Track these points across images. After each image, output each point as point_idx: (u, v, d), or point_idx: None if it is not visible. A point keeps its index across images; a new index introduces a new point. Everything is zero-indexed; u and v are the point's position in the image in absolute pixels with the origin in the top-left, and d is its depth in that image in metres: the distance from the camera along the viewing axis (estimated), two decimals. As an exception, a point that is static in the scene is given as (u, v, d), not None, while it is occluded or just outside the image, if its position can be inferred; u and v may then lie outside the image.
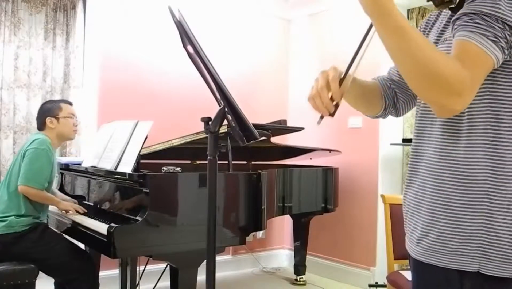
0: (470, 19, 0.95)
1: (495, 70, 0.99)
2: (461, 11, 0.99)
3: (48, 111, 2.76)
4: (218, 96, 1.42)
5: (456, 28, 0.99)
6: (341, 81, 1.07)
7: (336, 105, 1.07)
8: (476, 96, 0.99)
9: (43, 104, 2.85)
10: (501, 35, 0.93)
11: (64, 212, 2.66)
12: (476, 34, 0.94)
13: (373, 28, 1.04)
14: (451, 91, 0.93)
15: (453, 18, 1.01)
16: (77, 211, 2.64)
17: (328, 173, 3.67)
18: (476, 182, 1.01)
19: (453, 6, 1.08)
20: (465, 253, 1.03)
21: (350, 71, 1.08)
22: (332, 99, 1.06)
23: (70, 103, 2.88)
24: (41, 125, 2.76)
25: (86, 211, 2.66)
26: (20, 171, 2.56)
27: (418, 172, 1.13)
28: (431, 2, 1.11)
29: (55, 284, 2.74)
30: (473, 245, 1.02)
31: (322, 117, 1.11)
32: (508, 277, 1.01)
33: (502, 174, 1.00)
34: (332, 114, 1.08)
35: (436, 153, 1.08)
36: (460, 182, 1.03)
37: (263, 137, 2.91)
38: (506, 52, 0.96)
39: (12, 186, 2.58)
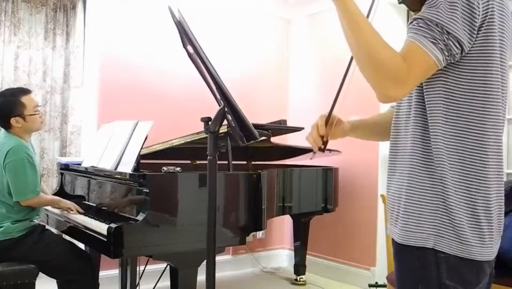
0: (417, 23, 1.11)
1: (447, 71, 1.13)
2: (413, 16, 1.15)
3: (11, 111, 2.56)
4: (218, 96, 1.43)
5: (408, 30, 1.14)
6: (327, 120, 1.38)
7: (325, 142, 1.36)
8: (431, 94, 1.15)
9: (2, 102, 2.57)
10: (439, 38, 1.07)
11: (65, 211, 2.66)
12: (419, 35, 1.09)
13: (351, 69, 1.25)
14: (385, 76, 1.09)
15: (408, 22, 1.17)
16: (74, 209, 2.64)
17: (328, 173, 3.67)
18: (433, 168, 1.15)
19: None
20: (424, 231, 1.15)
21: (334, 111, 1.39)
22: (322, 136, 1.36)
23: (29, 92, 2.67)
24: (7, 125, 2.58)
25: (83, 211, 2.66)
26: (10, 187, 2.49)
27: (397, 163, 1.25)
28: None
29: (58, 284, 2.74)
30: (430, 223, 1.15)
31: (314, 152, 1.38)
32: (458, 255, 1.12)
33: (453, 161, 1.13)
34: (321, 150, 1.35)
35: (406, 144, 1.21)
36: (422, 168, 1.17)
37: (263, 137, 2.91)
38: (446, 53, 1.09)
39: (1, 195, 2.53)
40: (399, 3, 1.26)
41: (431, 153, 1.15)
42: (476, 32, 1.09)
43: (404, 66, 1.08)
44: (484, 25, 1.09)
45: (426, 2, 1.12)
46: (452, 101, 1.13)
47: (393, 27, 3.58)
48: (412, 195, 1.18)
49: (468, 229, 1.12)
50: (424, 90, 1.17)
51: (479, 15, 1.08)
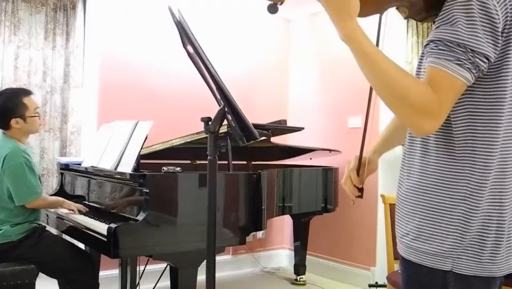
0: (435, 46, 1.04)
1: (473, 86, 1.06)
2: (428, 37, 1.08)
3: (12, 112, 2.53)
4: (218, 96, 1.43)
5: (426, 54, 1.07)
6: (359, 167, 1.35)
7: (360, 189, 1.34)
8: (457, 109, 1.08)
9: (2, 102, 2.55)
10: (464, 58, 1.01)
11: (67, 211, 2.66)
12: (442, 59, 1.02)
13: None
14: (418, 112, 1.02)
15: (424, 44, 1.10)
16: (79, 210, 2.64)
17: (328, 173, 3.67)
18: (456, 188, 1.09)
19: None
20: (440, 253, 1.10)
21: (364, 154, 1.38)
22: (356, 186, 1.33)
23: (30, 93, 2.65)
24: (5, 126, 2.55)
25: (87, 210, 2.66)
26: (11, 192, 2.48)
27: (406, 174, 1.21)
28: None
29: (59, 284, 2.74)
30: (448, 246, 1.09)
31: (352, 200, 1.37)
32: (478, 275, 1.08)
33: (477, 180, 1.08)
34: (359, 196, 1.34)
35: (424, 159, 1.15)
36: (442, 187, 1.11)
37: (263, 137, 2.91)
38: (474, 71, 1.02)
39: (0, 200, 2.51)
40: (405, 18, 1.22)
41: (456, 171, 1.09)
42: (500, 39, 1.03)
43: (434, 98, 1.01)
44: (505, 29, 1.04)
45: (440, 18, 1.06)
46: (479, 116, 1.08)
47: (395, 35, 3.58)
48: (428, 212, 1.12)
49: (489, 247, 1.08)
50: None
51: (499, 22, 1.02)
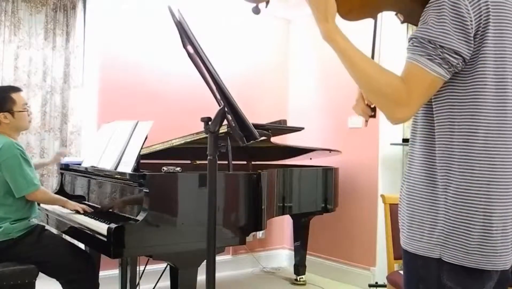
0: (411, 43, 1.14)
1: (454, 82, 1.13)
2: (409, 36, 1.17)
3: (0, 106, 2.57)
4: (218, 96, 1.43)
5: (406, 51, 1.17)
6: None
7: (373, 109, 1.34)
8: (438, 103, 1.16)
9: None
10: (434, 53, 1.09)
11: (67, 211, 2.66)
12: (416, 55, 1.12)
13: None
14: (389, 101, 1.13)
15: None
16: (81, 210, 2.64)
17: (328, 173, 3.67)
18: (437, 177, 1.15)
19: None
20: (430, 241, 1.16)
21: None
22: (368, 105, 1.35)
23: (19, 90, 2.68)
24: None
25: (92, 210, 2.66)
26: (10, 185, 2.48)
27: (408, 170, 1.26)
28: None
29: (61, 283, 2.73)
30: (436, 234, 1.14)
31: (366, 120, 1.38)
32: (465, 266, 1.11)
33: (455, 171, 1.13)
34: (372, 116, 1.36)
35: (414, 153, 1.23)
36: (428, 177, 1.17)
37: (263, 137, 2.91)
38: (446, 66, 1.10)
39: None
40: (402, 23, 1.27)
41: (436, 164, 1.15)
42: (473, 38, 1.09)
43: (403, 88, 1.11)
44: (480, 29, 1.09)
45: (421, 18, 1.14)
46: (457, 109, 1.13)
47: (396, 36, 3.58)
48: (415, 205, 1.19)
49: (476, 238, 1.10)
50: (433, 101, 1.17)
51: (471, 20, 1.08)
